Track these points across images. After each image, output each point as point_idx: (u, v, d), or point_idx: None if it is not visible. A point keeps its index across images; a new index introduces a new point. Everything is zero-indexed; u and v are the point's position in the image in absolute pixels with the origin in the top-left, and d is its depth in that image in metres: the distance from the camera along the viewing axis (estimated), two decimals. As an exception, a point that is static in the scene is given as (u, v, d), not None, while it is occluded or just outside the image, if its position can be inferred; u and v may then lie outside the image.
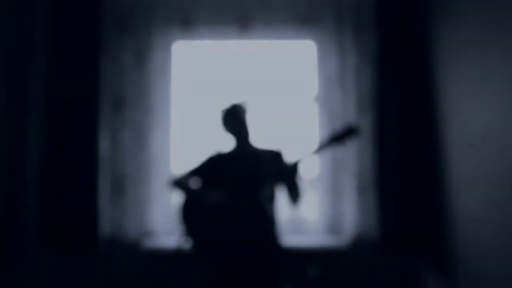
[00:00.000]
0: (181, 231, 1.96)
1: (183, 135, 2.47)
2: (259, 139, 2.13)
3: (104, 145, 2.25)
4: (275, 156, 2.09)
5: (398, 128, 2.15)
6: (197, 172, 2.08)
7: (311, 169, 2.47)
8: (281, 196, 2.19)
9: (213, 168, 2.07)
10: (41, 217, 2.15)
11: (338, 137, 1.86)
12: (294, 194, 2.00)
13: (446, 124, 1.99)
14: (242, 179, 2.01)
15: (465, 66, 1.83)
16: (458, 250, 1.93)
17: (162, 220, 2.34)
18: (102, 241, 2.25)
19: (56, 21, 2.23)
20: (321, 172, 2.42)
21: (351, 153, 2.32)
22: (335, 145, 1.87)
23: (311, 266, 2.28)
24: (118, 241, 2.29)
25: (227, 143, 2.13)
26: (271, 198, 2.04)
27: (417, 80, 2.20)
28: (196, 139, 2.49)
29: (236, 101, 2.08)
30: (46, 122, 2.18)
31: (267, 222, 1.97)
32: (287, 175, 1.94)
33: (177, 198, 2.37)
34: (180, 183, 2.02)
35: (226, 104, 2.07)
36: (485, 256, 1.69)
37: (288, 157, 2.11)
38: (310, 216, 2.42)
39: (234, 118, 2.02)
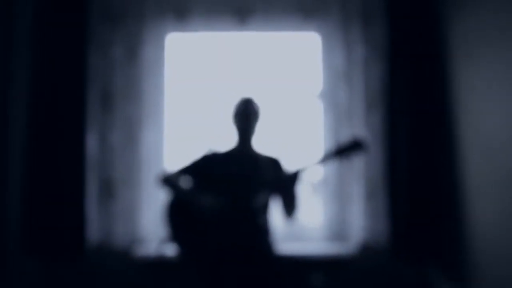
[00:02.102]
0: (165, 233, 1.90)
1: (177, 134, 2.38)
2: (260, 143, 2.05)
3: (92, 145, 2.14)
4: (273, 164, 2.02)
5: (409, 127, 2.06)
6: (190, 170, 2.00)
7: (314, 171, 2.39)
8: (276, 207, 2.13)
9: (207, 168, 1.99)
10: (23, 223, 2.06)
11: (343, 151, 1.82)
12: (290, 206, 1.94)
13: (460, 123, 1.92)
14: (236, 184, 1.93)
15: (481, 61, 1.76)
16: (473, 258, 1.85)
17: (154, 226, 2.24)
18: (89, 249, 2.14)
19: (41, 11, 2.11)
20: (326, 174, 2.32)
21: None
22: (338, 159, 1.83)
23: (315, 276, 2.18)
24: (107, 249, 2.19)
25: (224, 141, 2.05)
26: (264, 207, 1.97)
27: (429, 75, 2.10)
28: (191, 139, 2.40)
29: (249, 95, 2.01)
30: (29, 120, 2.08)
31: (259, 231, 1.90)
32: (284, 185, 1.88)
33: (164, 197, 2.27)
34: (169, 180, 1.94)
35: (241, 96, 2.01)
36: (502, 264, 1.62)
37: (287, 165, 2.03)
38: (314, 222, 2.32)
39: (247, 112, 1.95)
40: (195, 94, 2.42)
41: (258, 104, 2.01)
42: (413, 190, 2.06)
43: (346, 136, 2.27)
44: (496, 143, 1.65)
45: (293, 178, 1.84)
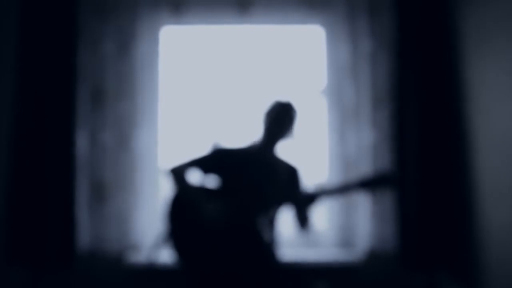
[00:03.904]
0: (163, 231, 1.83)
1: (173, 134, 2.31)
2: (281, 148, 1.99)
3: (82, 145, 2.07)
4: (291, 173, 1.96)
5: (418, 126, 1.97)
6: (201, 164, 1.91)
7: (319, 174, 2.31)
8: (287, 216, 2.08)
9: (219, 166, 1.90)
10: (8, 229, 1.98)
11: (368, 184, 1.78)
12: (303, 221, 1.90)
13: (474, 121, 1.83)
14: (248, 193, 1.86)
15: (494, 55, 1.68)
16: (487, 265, 1.76)
17: (148, 232, 2.16)
18: (80, 256, 2.08)
19: (28, 4, 2.03)
20: (331, 177, 2.24)
21: (366, 154, 2.13)
22: (362, 191, 1.77)
23: (320, 284, 2.12)
24: (98, 256, 2.12)
25: (223, 140, 1.97)
26: (272, 219, 1.91)
27: (440, 70, 2.02)
28: (187, 139, 2.32)
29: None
30: (15, 119, 2.00)
31: (262, 242, 1.82)
32: (300, 203, 1.85)
33: (162, 198, 2.20)
34: (177, 173, 1.86)
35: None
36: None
37: (304, 177, 1.98)
38: (320, 227, 2.24)
39: (286, 117, 1.87)
40: (191, 90, 2.35)
41: (296, 111, 1.92)
42: (423, 192, 1.97)
43: (352, 138, 2.20)
44: (512, 142, 1.63)
45: (309, 199, 1.81)
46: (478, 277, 1.83)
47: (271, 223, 1.90)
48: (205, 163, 1.95)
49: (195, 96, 2.37)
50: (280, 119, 1.90)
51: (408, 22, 2.08)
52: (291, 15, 2.30)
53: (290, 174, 1.97)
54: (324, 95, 2.32)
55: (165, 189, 2.12)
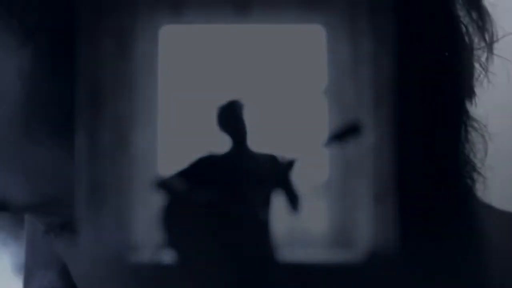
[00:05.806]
0: (162, 239, 1.85)
1: (173, 134, 2.36)
2: (258, 141, 2.01)
3: (79, 145, 2.12)
4: (272, 160, 2.00)
5: (419, 125, 2.07)
6: (185, 174, 1.99)
7: (317, 171, 2.33)
8: (279, 203, 2.07)
9: (203, 171, 1.98)
10: None
11: (338, 136, 1.79)
12: (291, 197, 1.92)
13: (478, 120, 1.95)
14: (235, 183, 1.92)
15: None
16: (494, 266, 1.85)
17: (148, 232, 2.22)
18: (78, 256, 2.14)
19: None
20: (330, 174, 2.30)
21: (367, 152, 2.19)
22: (335, 143, 1.79)
23: (318, 286, 2.16)
24: (97, 257, 2.18)
25: (223, 142, 1.96)
26: (266, 204, 1.94)
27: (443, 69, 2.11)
28: (187, 139, 2.38)
29: (232, 96, 1.94)
30: None
31: (262, 232, 1.91)
32: (281, 175, 1.87)
33: (160, 201, 2.24)
34: (165, 184, 1.93)
35: (222, 100, 1.91)
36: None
37: (286, 160, 2.00)
38: (317, 226, 2.29)
39: (230, 116, 1.94)
40: (191, 91, 2.37)
41: (239, 101, 1.95)
42: (424, 192, 2.07)
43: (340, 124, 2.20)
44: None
45: (287, 167, 1.82)
46: (482, 279, 1.86)
47: (265, 206, 1.91)
48: (190, 172, 1.97)
49: (195, 96, 2.37)
50: (232, 120, 1.93)
51: (410, 22, 2.13)
52: (290, 14, 2.34)
53: (271, 160, 1.99)
54: (325, 95, 2.34)
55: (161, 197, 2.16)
